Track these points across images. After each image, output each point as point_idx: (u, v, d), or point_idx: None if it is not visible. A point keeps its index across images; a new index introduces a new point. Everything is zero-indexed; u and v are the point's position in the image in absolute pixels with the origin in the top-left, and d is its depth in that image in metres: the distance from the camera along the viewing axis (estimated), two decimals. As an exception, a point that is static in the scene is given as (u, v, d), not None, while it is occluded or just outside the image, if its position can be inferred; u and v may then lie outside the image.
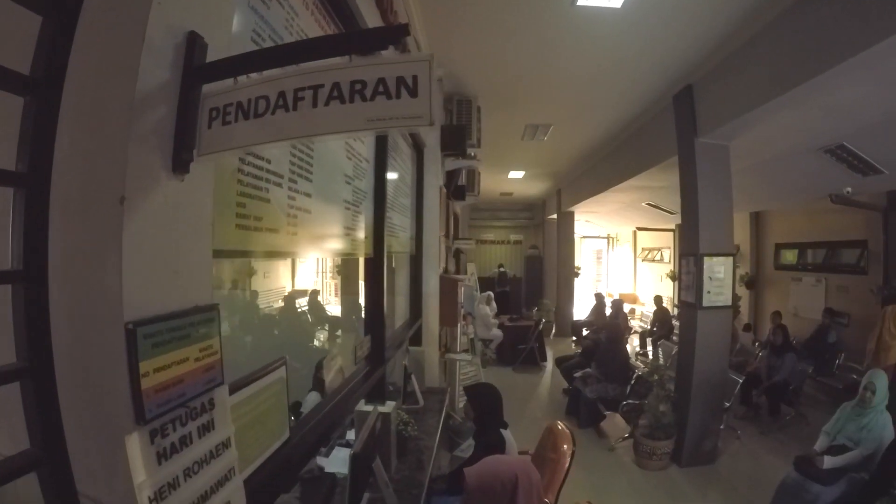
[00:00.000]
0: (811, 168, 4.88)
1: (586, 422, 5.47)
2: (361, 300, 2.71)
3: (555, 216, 10.74)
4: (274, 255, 1.40)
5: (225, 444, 0.90)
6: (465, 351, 5.60)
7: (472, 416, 3.00)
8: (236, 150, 0.84)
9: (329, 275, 7.13)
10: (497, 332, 8.29)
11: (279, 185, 1.41)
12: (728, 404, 4.76)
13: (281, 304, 3.19)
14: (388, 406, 2.45)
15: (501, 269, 12.29)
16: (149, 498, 0.73)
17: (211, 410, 0.88)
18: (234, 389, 1.06)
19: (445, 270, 5.15)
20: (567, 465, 2.55)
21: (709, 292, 4.15)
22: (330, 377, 1.98)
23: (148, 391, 0.73)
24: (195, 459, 0.83)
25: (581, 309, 10.67)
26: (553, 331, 10.16)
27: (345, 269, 3.22)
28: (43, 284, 0.72)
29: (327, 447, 2.74)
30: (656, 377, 4.76)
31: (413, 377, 3.48)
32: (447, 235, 6.82)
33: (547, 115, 5.51)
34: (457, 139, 4.22)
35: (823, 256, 6.81)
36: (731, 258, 4.24)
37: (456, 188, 7.19)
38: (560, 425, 2.87)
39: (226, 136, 0.80)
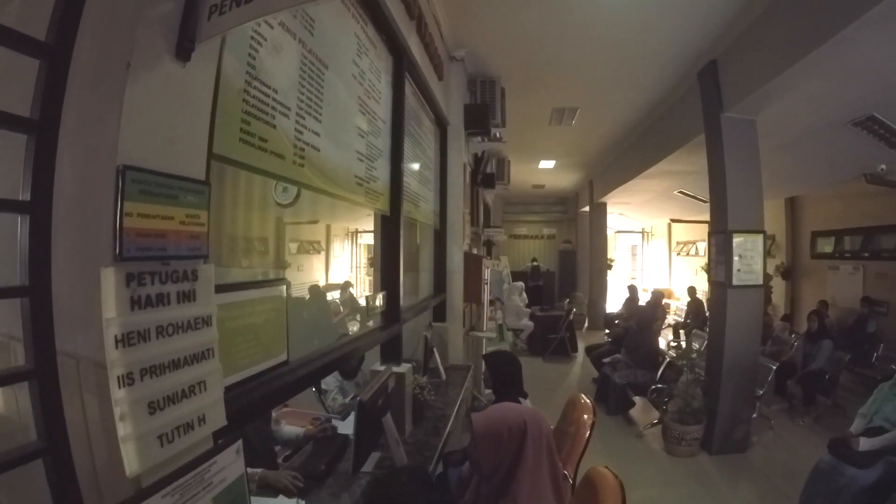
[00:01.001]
0: (842, 144, 4.66)
1: (615, 409, 5.38)
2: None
3: (587, 208, 10.60)
4: (280, 178, 1.47)
5: (205, 321, 0.94)
6: (493, 336, 5.62)
7: (489, 384, 3.02)
8: (232, 28, 0.91)
9: (363, 270, 7.26)
10: (528, 322, 8.25)
11: (286, 115, 1.48)
12: (761, 392, 4.60)
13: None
14: (404, 367, 2.49)
15: (535, 264, 12.20)
16: (116, 338, 0.77)
17: (193, 281, 0.92)
18: (228, 289, 1.12)
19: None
20: (587, 434, 2.50)
21: (738, 270, 4.02)
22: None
23: (129, 231, 0.78)
24: (171, 321, 0.87)
25: (614, 302, 10.49)
26: (586, 324, 10.03)
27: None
28: (54, 139, 0.81)
29: (344, 414, 2.80)
30: (685, 360, 4.65)
31: (436, 351, 3.51)
32: (475, 221, 6.84)
33: (573, 98, 5.45)
34: (480, 117, 4.24)
35: (861, 243, 6.49)
36: (760, 235, 4.10)
37: (485, 176, 7.22)
38: (582, 398, 2.83)
39: (222, 22, 0.89)
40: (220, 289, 1.10)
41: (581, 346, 8.08)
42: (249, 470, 1.91)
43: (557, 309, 8.89)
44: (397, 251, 2.60)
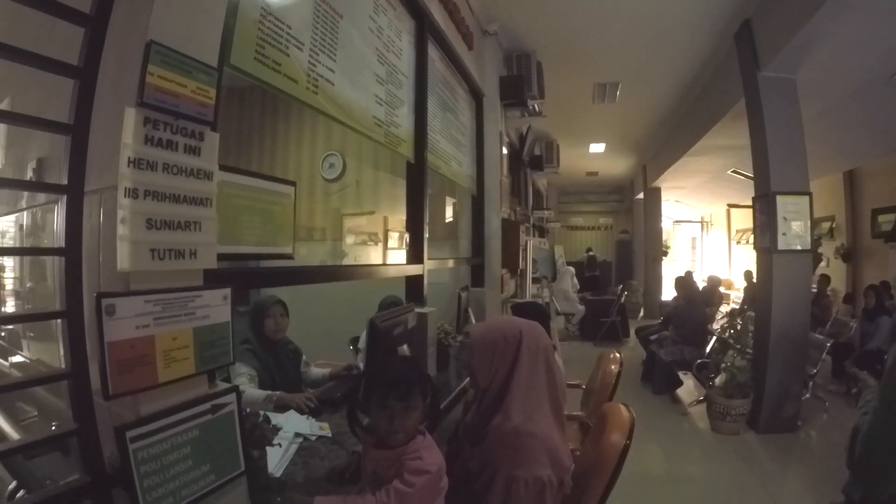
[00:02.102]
0: (892, 102, 4.36)
1: (661, 387, 5.28)
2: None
3: (641, 195, 10.37)
4: (293, 98, 1.66)
5: (206, 175, 1.13)
6: None
7: None
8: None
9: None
10: (579, 307, 8.20)
11: (299, 48, 1.68)
12: (815, 371, 4.37)
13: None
14: (427, 309, 2.62)
15: (590, 254, 12.02)
16: (129, 159, 0.97)
17: (200, 140, 1.11)
18: (237, 171, 1.34)
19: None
20: (613, 383, 2.53)
21: (784, 234, 3.87)
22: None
23: (150, 85, 1.00)
24: (176, 163, 1.06)
25: (670, 291, 10.15)
26: (641, 313, 9.81)
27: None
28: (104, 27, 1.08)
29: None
30: (732, 331, 4.51)
31: (471, 312, 3.61)
32: (522, 201, 6.90)
33: (613, 72, 5.42)
34: (515, 88, 4.35)
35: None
36: (806, 197, 3.93)
37: (533, 158, 7.27)
38: (612, 353, 2.87)
39: None
40: (230, 170, 1.32)
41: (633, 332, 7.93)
42: (270, 392, 2.17)
43: (610, 294, 8.76)
44: (422, 196, 2.76)
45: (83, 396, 1.03)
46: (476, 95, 4.12)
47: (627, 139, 8.42)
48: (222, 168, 1.26)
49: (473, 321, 3.58)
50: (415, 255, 2.71)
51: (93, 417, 1.03)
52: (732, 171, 7.56)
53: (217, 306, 1.15)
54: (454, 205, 4.45)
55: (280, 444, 1.60)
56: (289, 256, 1.53)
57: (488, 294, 4.12)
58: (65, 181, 1.04)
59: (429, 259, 2.86)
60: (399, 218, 5.64)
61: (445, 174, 3.30)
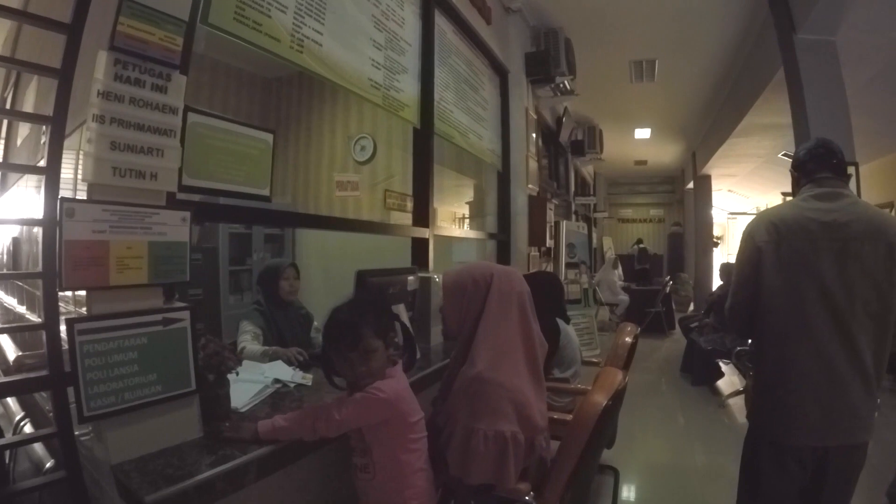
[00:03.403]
0: None
1: (700, 378, 5.06)
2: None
3: (692, 185, 9.94)
4: (275, 55, 1.73)
5: (172, 110, 1.24)
6: (577, 301, 5.57)
7: None
8: None
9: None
10: (623, 297, 7.98)
11: (283, 11, 1.76)
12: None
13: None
14: (434, 274, 2.60)
15: (641, 246, 11.62)
16: (98, 90, 1.11)
17: (167, 80, 1.24)
18: (208, 115, 1.43)
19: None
20: (626, 354, 2.42)
21: (830, 212, 3.57)
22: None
23: (120, 33, 1.14)
24: (142, 98, 1.18)
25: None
26: (691, 307, 9.40)
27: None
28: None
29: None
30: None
31: None
32: (561, 185, 6.78)
33: (647, 48, 5.23)
34: (541, 64, 4.30)
35: None
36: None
37: (574, 143, 7.13)
38: (629, 325, 2.74)
39: None
40: (201, 113, 1.41)
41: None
42: (267, 347, 2.28)
43: (656, 284, 8.46)
44: (428, 161, 2.80)
45: (50, 299, 1.14)
46: (500, 72, 4.11)
47: (673, 123, 8.10)
48: (200, 112, 1.39)
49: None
50: (420, 219, 2.74)
51: (57, 316, 1.14)
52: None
53: (175, 226, 1.25)
54: (478, 183, 4.45)
55: (248, 380, 1.65)
56: (265, 198, 1.61)
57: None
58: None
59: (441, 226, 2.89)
60: (448, 210, 5.73)
61: (461, 145, 3.31)
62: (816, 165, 1.61)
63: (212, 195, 1.45)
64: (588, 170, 9.62)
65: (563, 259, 5.37)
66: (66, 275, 1.07)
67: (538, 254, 4.72)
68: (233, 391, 1.53)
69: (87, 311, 1.12)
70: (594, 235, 9.63)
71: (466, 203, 5.31)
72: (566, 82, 4.93)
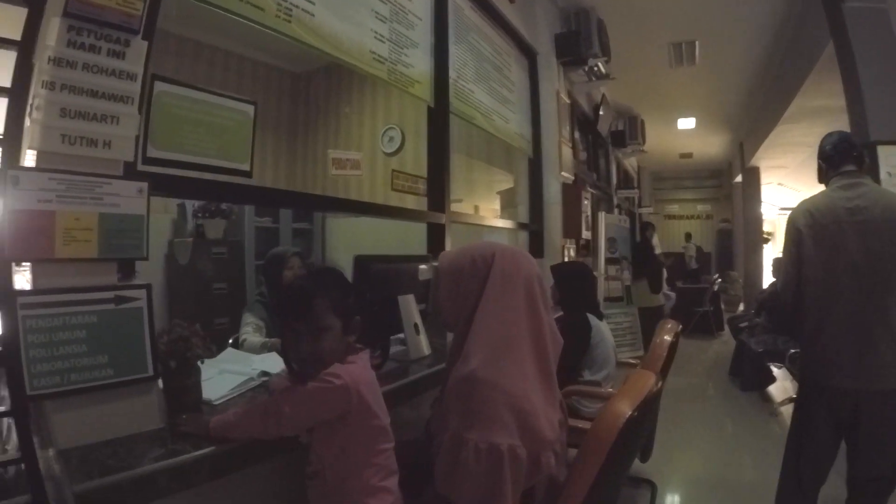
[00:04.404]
0: None
1: (750, 383, 4.68)
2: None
3: (740, 178, 9.38)
4: (260, 25, 1.64)
5: (130, 76, 1.16)
6: (619, 299, 5.30)
7: (556, 299, 2.70)
8: None
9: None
10: (668, 293, 7.59)
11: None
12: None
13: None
14: None
15: (695, 244, 11.09)
16: (49, 57, 1.04)
17: (125, 46, 1.16)
18: (181, 85, 1.34)
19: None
20: (664, 355, 2.11)
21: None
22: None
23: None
24: (97, 64, 1.11)
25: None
26: (741, 307, 8.87)
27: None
28: None
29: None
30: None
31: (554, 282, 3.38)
32: (601, 177, 6.49)
33: (686, 28, 4.91)
34: (571, 45, 4.09)
35: None
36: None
37: (614, 133, 6.82)
38: (669, 322, 2.43)
39: None
40: (169, 81, 1.32)
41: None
42: (266, 339, 2.20)
43: (704, 282, 8.02)
44: (444, 141, 2.66)
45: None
46: (528, 53, 3.93)
47: (718, 111, 7.65)
48: (168, 80, 1.30)
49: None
50: (435, 203, 2.60)
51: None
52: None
53: (130, 197, 1.15)
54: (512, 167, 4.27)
55: (233, 371, 1.56)
56: (245, 174, 1.51)
57: (547, 265, 3.88)
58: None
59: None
60: (492, 207, 5.60)
61: (484, 127, 3.16)
62: (841, 158, 1.97)
63: (181, 168, 1.36)
64: (631, 163, 9.23)
65: (603, 253, 5.10)
66: (9, 245, 1.00)
67: (574, 247, 4.48)
68: (214, 382, 1.45)
69: (31, 284, 1.05)
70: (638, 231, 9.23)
71: (497, 193, 5.14)
72: (600, 65, 4.67)
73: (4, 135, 1.05)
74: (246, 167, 1.51)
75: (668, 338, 2.18)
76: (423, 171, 2.65)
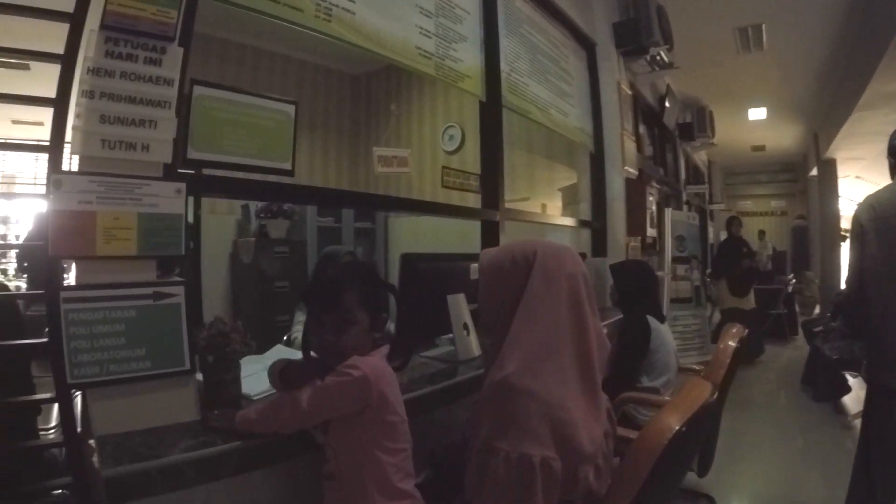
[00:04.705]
0: None
1: (823, 393, 4.30)
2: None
3: (815, 171, 8.70)
4: (299, 26, 1.66)
5: (167, 82, 1.22)
6: (688, 300, 5.06)
7: (615, 300, 2.64)
8: None
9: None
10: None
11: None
12: None
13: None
14: None
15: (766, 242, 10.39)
16: (88, 68, 1.12)
17: (161, 54, 1.21)
18: (221, 87, 1.39)
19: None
20: (728, 362, 1.94)
21: None
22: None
23: (110, 12, 1.13)
24: (134, 72, 1.17)
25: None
26: (817, 309, 8.23)
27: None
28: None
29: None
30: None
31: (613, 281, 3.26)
32: (668, 172, 6.18)
33: (751, 11, 4.61)
34: (630, 33, 3.92)
35: None
36: None
37: (682, 126, 6.49)
38: (735, 326, 2.22)
39: None
40: (208, 85, 1.37)
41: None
42: None
43: (777, 283, 7.47)
44: (497, 135, 2.61)
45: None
46: (585, 44, 3.79)
47: (789, 99, 7.12)
48: (206, 84, 1.35)
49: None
50: (489, 200, 2.55)
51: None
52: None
53: (168, 198, 1.20)
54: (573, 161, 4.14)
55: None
56: (287, 172, 1.54)
57: (609, 264, 3.73)
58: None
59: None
60: (555, 205, 5.51)
61: (540, 121, 3.08)
62: None
63: (221, 168, 1.40)
64: (700, 157, 8.76)
65: (669, 252, 4.86)
66: (53, 243, 1.07)
67: (639, 245, 4.30)
68: (256, 378, 1.44)
69: (74, 280, 1.11)
70: (710, 229, 8.75)
71: (559, 190, 5.02)
72: (662, 53, 4.45)
73: (50, 142, 1.12)
74: (287, 166, 1.52)
75: (732, 343, 2.00)
76: (520, 184, 2.59)
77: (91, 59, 1.13)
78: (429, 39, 2.21)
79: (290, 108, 1.55)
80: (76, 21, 1.17)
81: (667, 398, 2.14)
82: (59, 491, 1.19)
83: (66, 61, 1.15)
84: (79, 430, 1.13)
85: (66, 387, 1.07)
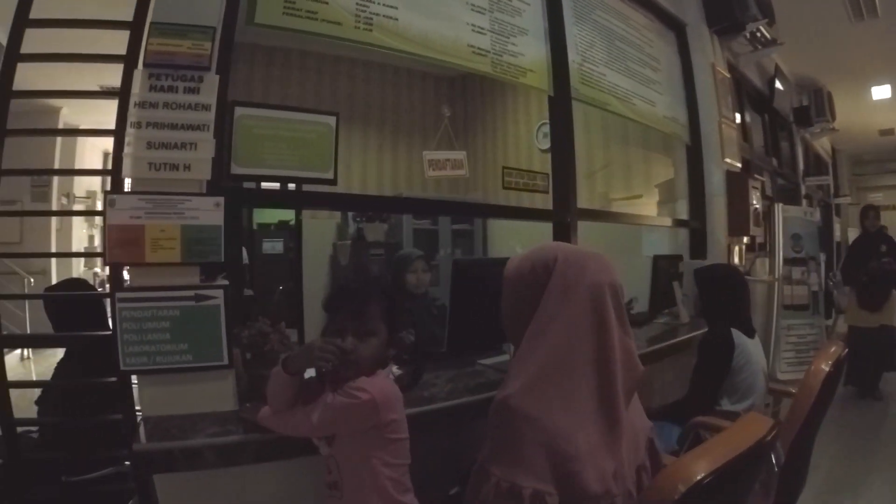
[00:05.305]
0: None
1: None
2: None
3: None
4: (339, 39, 1.75)
5: (205, 107, 1.38)
6: (804, 307, 4.51)
7: (699, 307, 2.43)
8: None
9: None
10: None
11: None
12: None
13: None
14: None
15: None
16: (135, 102, 1.32)
17: (199, 82, 1.38)
18: (259, 106, 1.53)
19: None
20: (817, 389, 1.54)
21: None
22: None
23: (150, 52, 1.34)
24: (175, 101, 1.35)
25: None
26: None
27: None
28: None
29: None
30: None
31: (679, 286, 3.05)
32: (783, 163, 5.53)
33: None
34: (723, 8, 3.53)
35: None
36: None
37: (797, 110, 5.74)
38: (833, 345, 1.77)
39: None
40: (248, 105, 1.51)
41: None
42: None
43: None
44: (568, 132, 2.52)
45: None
46: (673, 25, 3.51)
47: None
48: (246, 104, 1.51)
49: (680, 299, 2.98)
50: (561, 202, 2.46)
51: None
52: None
53: (208, 211, 1.36)
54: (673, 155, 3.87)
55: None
56: (329, 181, 1.63)
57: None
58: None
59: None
60: (653, 203, 5.21)
61: (621, 113, 2.91)
62: None
63: (265, 181, 1.54)
64: (822, 145, 7.63)
65: (780, 253, 4.33)
66: (108, 252, 1.28)
67: (744, 245, 3.90)
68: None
69: (128, 284, 1.31)
70: (837, 226, 7.62)
71: (655, 186, 4.71)
72: (762, 28, 3.94)
73: (112, 167, 1.33)
74: (329, 175, 1.62)
75: (824, 367, 1.59)
76: (582, 166, 2.50)
77: (137, 95, 1.33)
78: (483, 36, 2.17)
79: (331, 120, 1.65)
80: (129, 62, 1.39)
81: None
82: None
83: (122, 97, 1.36)
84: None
85: (120, 372, 1.26)
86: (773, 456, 1.49)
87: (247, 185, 1.67)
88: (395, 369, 1.26)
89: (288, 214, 3.99)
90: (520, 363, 1.01)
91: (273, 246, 4.12)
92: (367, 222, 4.23)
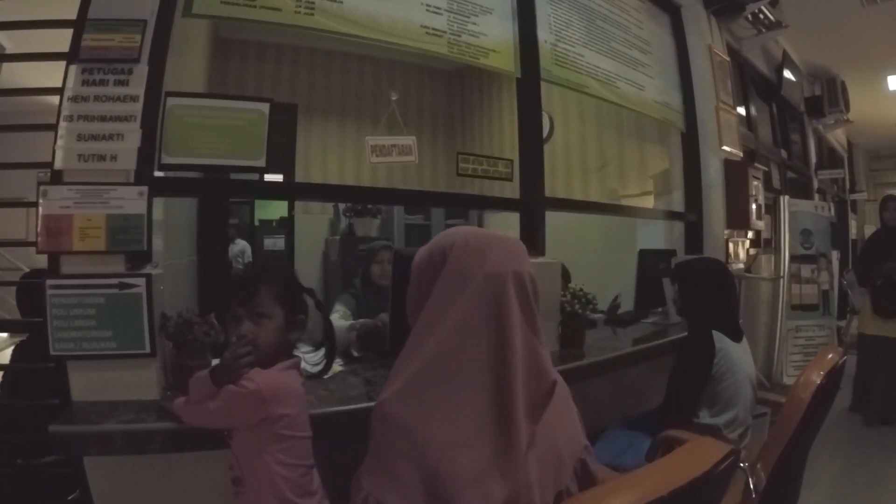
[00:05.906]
0: None
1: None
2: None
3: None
4: (280, 26, 1.76)
5: (133, 98, 1.41)
6: (813, 307, 4.37)
7: (679, 306, 2.17)
8: None
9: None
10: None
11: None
12: None
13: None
14: (547, 259, 2.22)
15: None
16: (68, 96, 1.37)
17: (128, 74, 1.42)
18: (189, 95, 1.55)
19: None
20: (802, 412, 1.34)
21: None
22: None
23: (85, 47, 1.39)
24: (105, 94, 1.39)
25: None
26: None
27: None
28: None
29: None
30: None
31: (670, 283, 2.91)
32: (793, 156, 5.32)
33: None
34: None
35: None
36: None
37: (809, 100, 5.52)
38: (830, 351, 1.57)
39: None
40: (180, 94, 1.53)
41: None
42: (353, 322, 2.17)
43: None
44: (535, 116, 2.45)
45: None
46: (667, 7, 3.38)
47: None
48: (178, 94, 1.52)
49: (669, 296, 2.77)
50: (528, 189, 2.38)
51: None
52: None
53: (132, 200, 1.39)
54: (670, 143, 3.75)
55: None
56: (260, 170, 1.64)
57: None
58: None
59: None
60: (664, 197, 5.09)
61: (602, 96, 2.79)
62: None
63: (193, 171, 1.57)
64: (836, 137, 7.29)
65: (786, 249, 4.18)
66: (41, 241, 1.33)
67: (749, 241, 3.73)
68: None
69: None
70: (853, 223, 7.30)
71: (650, 177, 4.60)
72: (764, 9, 3.77)
73: (52, 159, 1.38)
74: (260, 163, 1.61)
75: (815, 378, 1.39)
76: (576, 157, 2.42)
77: (70, 89, 1.37)
78: (438, 16, 2.09)
79: (265, 107, 1.63)
80: (71, 59, 1.42)
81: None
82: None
83: (63, 93, 1.40)
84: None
85: (49, 356, 1.31)
86: (750, 481, 1.39)
87: (191, 174, 1.70)
88: (307, 363, 1.26)
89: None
90: (402, 362, 0.87)
91: (274, 242, 4.20)
92: (357, 217, 4.23)
